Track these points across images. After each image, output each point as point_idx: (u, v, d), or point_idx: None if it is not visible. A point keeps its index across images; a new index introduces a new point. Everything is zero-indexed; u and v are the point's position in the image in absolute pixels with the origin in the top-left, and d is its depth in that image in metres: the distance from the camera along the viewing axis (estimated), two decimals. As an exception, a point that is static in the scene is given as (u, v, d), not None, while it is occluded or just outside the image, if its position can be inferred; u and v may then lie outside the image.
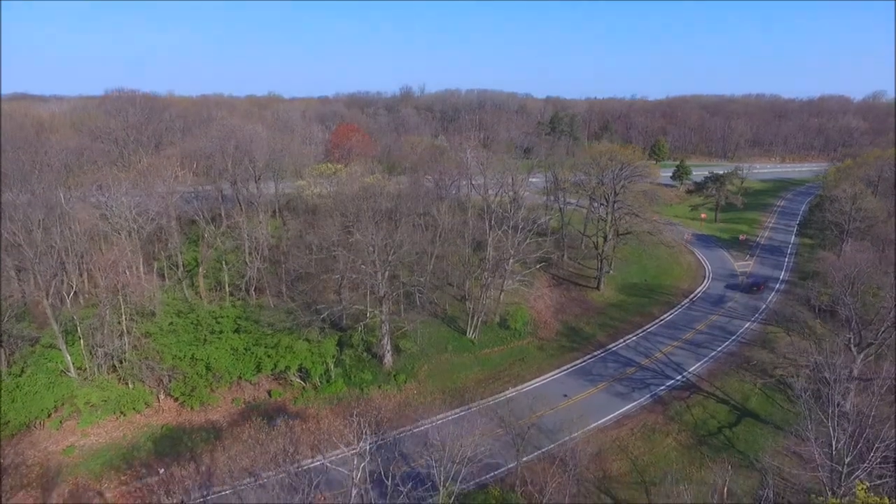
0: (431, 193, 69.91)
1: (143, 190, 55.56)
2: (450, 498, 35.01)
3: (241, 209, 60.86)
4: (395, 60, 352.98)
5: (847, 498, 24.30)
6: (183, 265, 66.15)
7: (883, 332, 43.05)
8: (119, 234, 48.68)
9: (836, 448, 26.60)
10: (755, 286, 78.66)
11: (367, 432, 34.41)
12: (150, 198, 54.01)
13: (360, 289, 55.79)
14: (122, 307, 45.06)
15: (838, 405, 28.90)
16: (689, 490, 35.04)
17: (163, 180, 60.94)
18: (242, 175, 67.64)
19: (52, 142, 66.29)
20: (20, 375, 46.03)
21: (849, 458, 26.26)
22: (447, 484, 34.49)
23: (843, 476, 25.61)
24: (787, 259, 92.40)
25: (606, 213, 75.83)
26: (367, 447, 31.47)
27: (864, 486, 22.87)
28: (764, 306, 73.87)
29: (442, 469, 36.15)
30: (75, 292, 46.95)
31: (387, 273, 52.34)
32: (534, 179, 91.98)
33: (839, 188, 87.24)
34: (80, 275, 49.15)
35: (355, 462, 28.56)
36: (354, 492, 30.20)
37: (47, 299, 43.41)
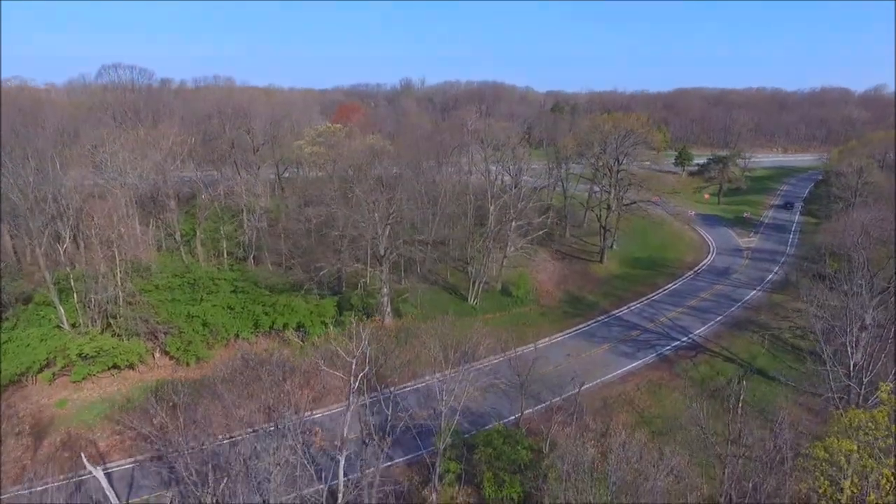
0: (432, 163, 68.94)
1: (139, 153, 54.70)
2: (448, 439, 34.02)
3: (238, 173, 59.95)
4: (395, 54, 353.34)
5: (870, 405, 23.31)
6: (181, 235, 65.31)
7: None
8: (113, 188, 47.76)
9: (854, 366, 25.59)
10: (788, 204, 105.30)
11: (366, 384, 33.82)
12: (146, 158, 53.12)
13: (359, 251, 54.94)
14: (117, 258, 44.14)
15: (861, 320, 27.82)
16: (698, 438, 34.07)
17: (159, 149, 60.10)
18: (241, 142, 66.76)
19: (48, 108, 65.60)
20: (13, 329, 45.24)
21: (869, 377, 25.24)
22: (447, 431, 33.59)
23: (860, 397, 24.60)
24: (791, 236, 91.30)
25: (609, 184, 74.85)
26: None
27: (889, 387, 21.87)
28: (770, 276, 72.89)
29: (443, 418, 35.40)
30: (68, 247, 46.01)
31: (387, 230, 51.44)
32: (535, 166, 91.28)
33: (845, 163, 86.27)
34: (75, 231, 48.23)
35: (352, 382, 27.48)
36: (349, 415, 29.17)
37: (40, 248, 42.53)
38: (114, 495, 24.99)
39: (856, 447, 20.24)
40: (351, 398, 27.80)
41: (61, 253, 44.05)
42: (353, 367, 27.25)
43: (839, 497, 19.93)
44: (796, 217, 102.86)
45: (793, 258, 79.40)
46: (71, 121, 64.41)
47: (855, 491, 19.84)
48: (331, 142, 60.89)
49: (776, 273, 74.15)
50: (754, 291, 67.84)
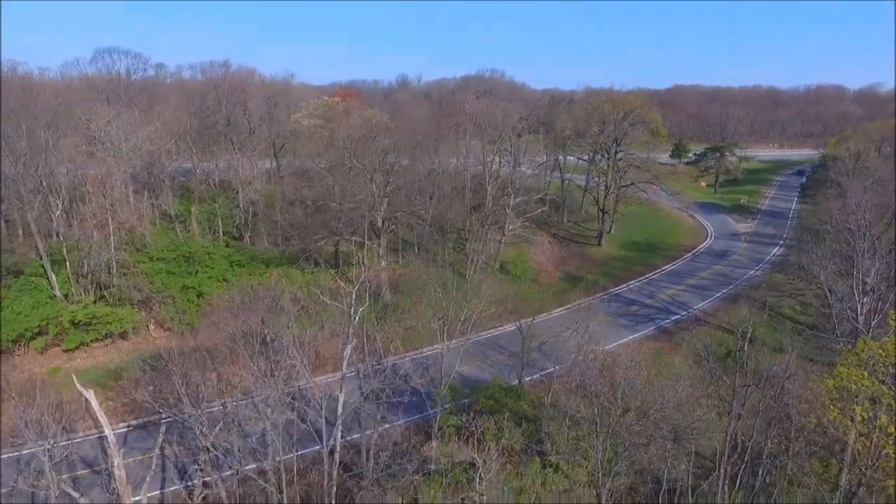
0: (430, 146, 68.42)
1: (133, 126, 53.98)
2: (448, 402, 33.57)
3: (234, 150, 59.30)
4: (391, 50, 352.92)
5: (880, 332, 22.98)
6: (176, 214, 64.58)
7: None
8: (105, 157, 47.02)
9: (861, 308, 25.25)
10: (801, 172, 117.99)
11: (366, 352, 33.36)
12: (140, 131, 52.44)
13: (357, 225, 54.34)
14: (110, 226, 43.46)
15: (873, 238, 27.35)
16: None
17: (154, 124, 59.47)
18: (237, 123, 66.15)
19: (40, 87, 64.88)
20: (5, 299, 44.43)
21: (877, 319, 24.91)
22: (446, 383, 33.14)
23: (875, 313, 24.22)
24: (788, 221, 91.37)
25: (608, 166, 74.60)
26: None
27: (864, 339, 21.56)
28: (769, 257, 72.77)
29: (442, 370, 34.97)
30: (60, 215, 45.31)
31: (385, 201, 50.94)
32: (534, 159, 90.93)
33: (842, 148, 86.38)
34: (66, 202, 47.47)
35: (347, 351, 26.95)
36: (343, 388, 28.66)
37: (31, 213, 41.81)
38: (106, 420, 24.42)
39: (867, 375, 19.87)
40: (350, 332, 27.23)
41: (53, 221, 43.30)
42: (353, 297, 26.76)
43: (849, 424, 19.54)
44: (793, 205, 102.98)
45: (791, 241, 79.42)
46: (64, 100, 63.60)
47: (866, 416, 19.48)
48: (329, 115, 60.46)
49: (774, 255, 74.09)
50: (753, 271, 67.71)
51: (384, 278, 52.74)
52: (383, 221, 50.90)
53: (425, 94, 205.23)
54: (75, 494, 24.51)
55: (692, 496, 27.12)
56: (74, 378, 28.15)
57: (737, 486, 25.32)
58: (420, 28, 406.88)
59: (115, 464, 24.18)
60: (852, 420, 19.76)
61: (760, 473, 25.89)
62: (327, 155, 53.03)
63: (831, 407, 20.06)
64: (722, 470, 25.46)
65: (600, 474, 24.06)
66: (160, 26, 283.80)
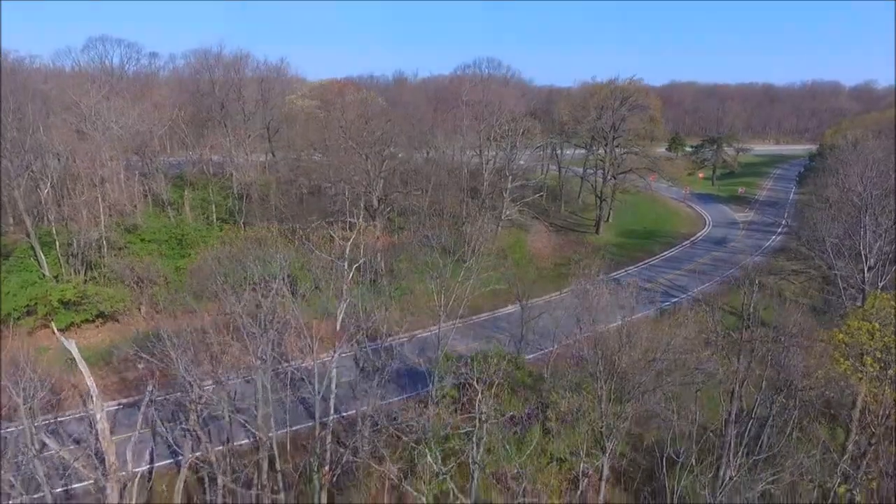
0: (426, 129, 67.83)
1: (122, 108, 53.15)
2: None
3: (228, 134, 58.47)
4: (387, 46, 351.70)
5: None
6: (168, 201, 63.74)
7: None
8: (93, 133, 46.15)
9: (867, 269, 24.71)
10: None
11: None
12: (132, 110, 51.63)
13: (353, 207, 53.64)
14: (100, 203, 42.62)
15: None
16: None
17: (145, 103, 58.61)
18: (231, 110, 65.36)
19: (30, 71, 64.08)
20: (-8, 278, 43.56)
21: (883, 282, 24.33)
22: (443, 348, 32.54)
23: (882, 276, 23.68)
24: (786, 210, 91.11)
25: (605, 153, 74.11)
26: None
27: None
28: (768, 244, 72.38)
29: (439, 352, 34.44)
30: (48, 193, 44.44)
31: (381, 183, 50.26)
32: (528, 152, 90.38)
33: (839, 136, 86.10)
34: (54, 181, 46.56)
35: (341, 307, 26.23)
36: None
37: (19, 190, 40.92)
38: (87, 371, 23.62)
39: (878, 325, 19.29)
40: (345, 289, 26.55)
41: (41, 199, 42.43)
42: (347, 251, 26.10)
43: (860, 376, 18.96)
44: (790, 196, 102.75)
45: (790, 229, 79.05)
46: (55, 84, 62.81)
47: (875, 368, 18.90)
48: (325, 97, 59.74)
49: (773, 241, 73.74)
50: (752, 257, 67.25)
51: (379, 246, 51.90)
52: (378, 202, 50.19)
53: (422, 89, 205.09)
54: (51, 443, 23.69)
55: (697, 465, 26.50)
56: (54, 327, 27.26)
57: (741, 451, 24.68)
58: (415, 26, 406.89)
59: (98, 418, 23.33)
60: (863, 373, 19.18)
61: (764, 439, 25.29)
62: (322, 135, 52.30)
63: (841, 360, 19.48)
64: (728, 435, 24.85)
65: (604, 423, 23.38)
66: (152, 25, 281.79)
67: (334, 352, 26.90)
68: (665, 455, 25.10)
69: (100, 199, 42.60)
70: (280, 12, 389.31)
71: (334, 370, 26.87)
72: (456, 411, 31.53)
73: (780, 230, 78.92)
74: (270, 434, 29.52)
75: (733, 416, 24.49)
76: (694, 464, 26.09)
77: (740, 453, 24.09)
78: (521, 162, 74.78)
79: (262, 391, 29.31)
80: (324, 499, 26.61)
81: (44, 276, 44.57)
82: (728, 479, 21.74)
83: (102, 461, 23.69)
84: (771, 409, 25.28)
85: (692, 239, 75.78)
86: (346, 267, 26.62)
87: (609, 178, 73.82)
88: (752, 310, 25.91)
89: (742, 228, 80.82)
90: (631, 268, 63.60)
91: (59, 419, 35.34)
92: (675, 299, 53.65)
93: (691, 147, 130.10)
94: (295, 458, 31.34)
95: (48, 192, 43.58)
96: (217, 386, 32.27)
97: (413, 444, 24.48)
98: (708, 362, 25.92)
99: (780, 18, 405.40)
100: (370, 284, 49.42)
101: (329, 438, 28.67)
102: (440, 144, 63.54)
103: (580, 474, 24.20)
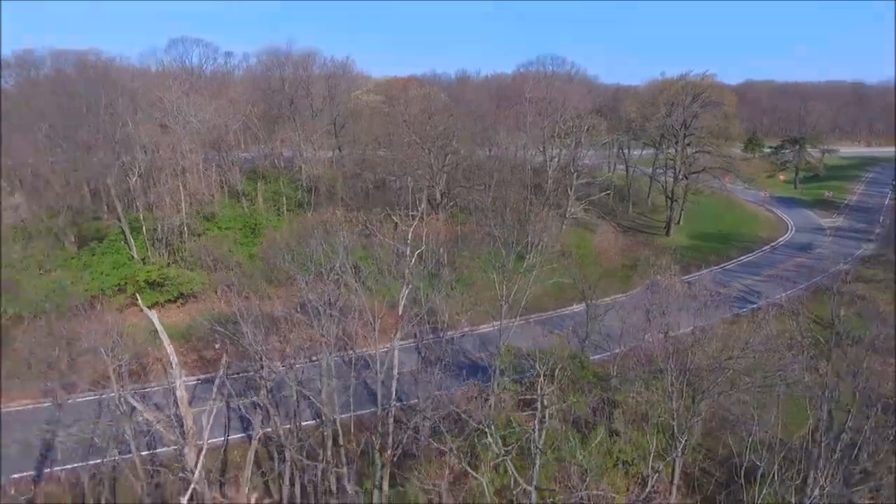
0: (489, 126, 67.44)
1: (200, 104, 56.28)
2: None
3: (297, 126, 60.65)
4: (448, 45, 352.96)
5: None
6: (242, 192, 66.99)
7: None
8: (174, 126, 49.29)
9: None
10: None
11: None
12: (209, 105, 54.65)
13: (417, 199, 54.21)
14: (181, 191, 45.36)
15: None
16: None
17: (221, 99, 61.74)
18: (300, 106, 67.71)
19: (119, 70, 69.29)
20: (91, 257, 47.54)
21: None
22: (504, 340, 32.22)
23: None
24: (880, 216, 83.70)
25: (676, 151, 70.93)
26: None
27: None
28: (859, 252, 66.79)
29: (500, 346, 34.19)
30: (137, 182, 47.79)
31: (444, 178, 50.48)
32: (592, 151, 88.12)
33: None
34: (142, 171, 50.01)
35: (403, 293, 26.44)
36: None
37: (111, 178, 44.27)
38: (168, 340, 25.06)
39: None
40: (408, 273, 26.82)
41: (130, 188, 45.71)
42: (410, 236, 26.34)
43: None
44: (887, 201, 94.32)
45: (884, 236, 72.63)
46: (142, 83, 67.41)
47: None
48: (389, 93, 60.80)
49: (866, 249, 67.98)
50: (841, 265, 62.22)
51: (441, 238, 52.16)
52: (441, 196, 50.43)
53: (484, 86, 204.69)
54: (138, 406, 25.30)
55: (778, 481, 24.69)
56: (140, 300, 29.09)
57: (833, 465, 22.75)
58: (480, 25, 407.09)
59: (178, 384, 24.68)
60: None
61: (861, 454, 23.19)
62: (387, 130, 53.21)
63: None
64: (816, 448, 22.99)
65: (676, 420, 22.18)
66: (227, 26, 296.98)
67: (396, 332, 27.15)
68: (744, 464, 23.55)
69: (181, 188, 45.40)
70: (345, 10, 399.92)
71: (396, 352, 27.10)
72: (517, 405, 31.15)
73: (872, 237, 72.70)
74: (335, 412, 30.29)
75: (822, 426, 22.64)
76: (776, 476, 24.37)
77: (832, 467, 22.22)
78: (587, 160, 73.19)
79: (327, 368, 30.09)
80: (385, 477, 26.95)
81: (132, 258, 48.00)
82: (817, 494, 20.05)
83: (182, 427, 25.06)
84: (868, 422, 23.17)
85: (773, 244, 71.15)
86: (408, 252, 26.85)
87: (680, 178, 70.58)
88: (841, 314, 23.73)
89: (829, 234, 75.03)
90: (704, 271, 60.44)
91: (144, 389, 38.00)
92: (754, 305, 50.45)
93: (770, 148, 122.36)
94: (358, 437, 32.00)
95: (136, 180, 46.83)
96: (285, 364, 33.60)
97: (475, 427, 24.24)
98: (792, 364, 24.04)
99: (867, 17, 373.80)
100: (431, 275, 49.73)
101: (391, 420, 29.05)
102: (503, 141, 62.93)
103: (649, 475, 23.12)
